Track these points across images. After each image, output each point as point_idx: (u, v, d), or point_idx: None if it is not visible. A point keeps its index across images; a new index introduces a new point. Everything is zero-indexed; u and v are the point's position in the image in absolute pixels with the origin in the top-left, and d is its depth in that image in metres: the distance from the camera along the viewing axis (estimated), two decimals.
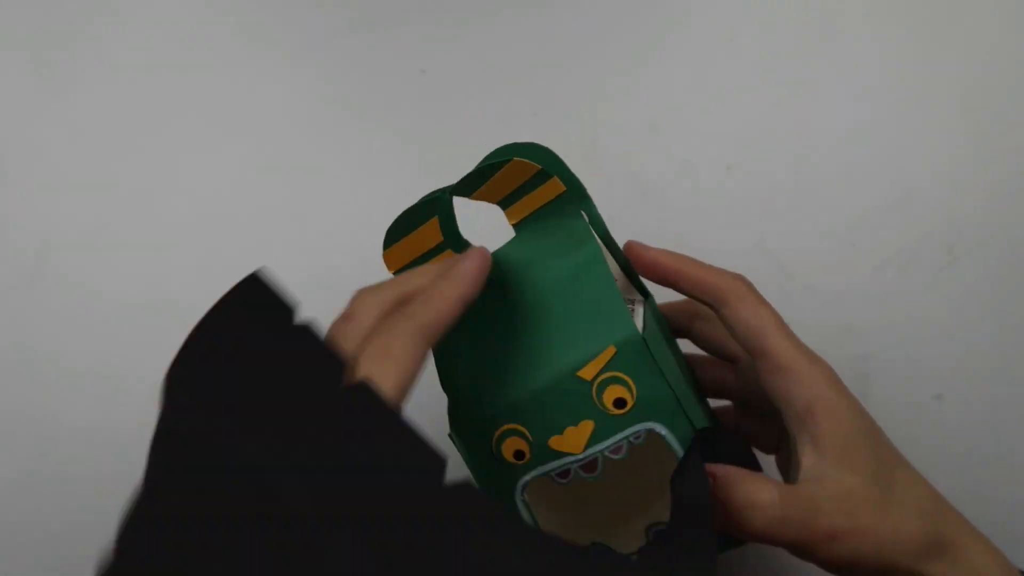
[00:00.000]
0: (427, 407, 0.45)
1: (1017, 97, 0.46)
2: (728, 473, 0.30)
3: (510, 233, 0.35)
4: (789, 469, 0.34)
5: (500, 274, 0.33)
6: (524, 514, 0.32)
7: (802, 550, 0.30)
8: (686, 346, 0.39)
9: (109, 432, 0.44)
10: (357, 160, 0.46)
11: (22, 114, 0.46)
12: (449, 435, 0.32)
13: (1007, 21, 0.46)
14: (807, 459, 0.31)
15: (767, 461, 0.40)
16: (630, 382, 0.31)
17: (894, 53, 0.46)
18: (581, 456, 0.31)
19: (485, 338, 0.33)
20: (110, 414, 0.44)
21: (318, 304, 0.37)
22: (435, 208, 0.33)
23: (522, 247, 0.34)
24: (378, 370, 0.25)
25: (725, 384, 0.37)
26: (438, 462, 0.23)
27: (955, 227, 0.45)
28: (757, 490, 0.29)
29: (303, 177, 0.46)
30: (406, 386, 0.26)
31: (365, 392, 0.24)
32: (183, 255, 0.45)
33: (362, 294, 0.29)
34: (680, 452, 0.31)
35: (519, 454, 0.31)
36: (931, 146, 0.45)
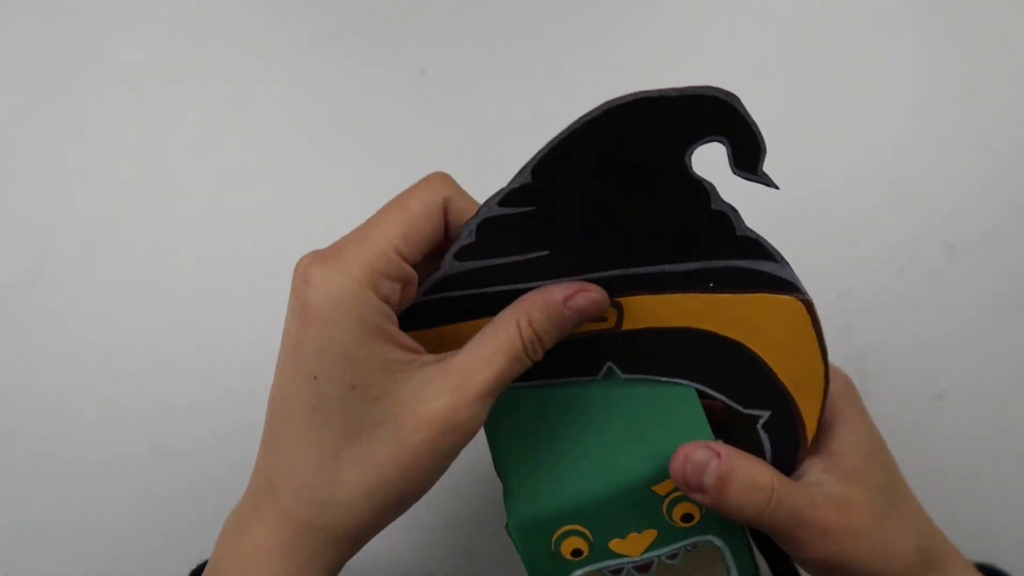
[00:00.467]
0: None
1: (1017, 96, 0.46)
2: (732, 452, 0.30)
3: None
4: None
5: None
6: None
7: (791, 541, 0.30)
8: None
9: (109, 433, 0.44)
10: (357, 160, 0.46)
11: (22, 114, 0.46)
12: (506, 528, 0.31)
13: (1007, 20, 0.46)
14: (815, 467, 0.31)
15: None
16: None
17: (894, 53, 0.46)
18: (638, 559, 0.32)
19: (551, 429, 0.32)
20: (110, 415, 0.44)
21: None
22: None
23: None
24: None
25: None
26: None
27: (955, 226, 0.45)
28: (758, 472, 0.29)
29: (303, 177, 0.46)
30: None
31: None
32: (183, 255, 0.45)
33: None
34: (734, 567, 0.32)
35: (577, 552, 0.31)
36: (931, 146, 0.45)
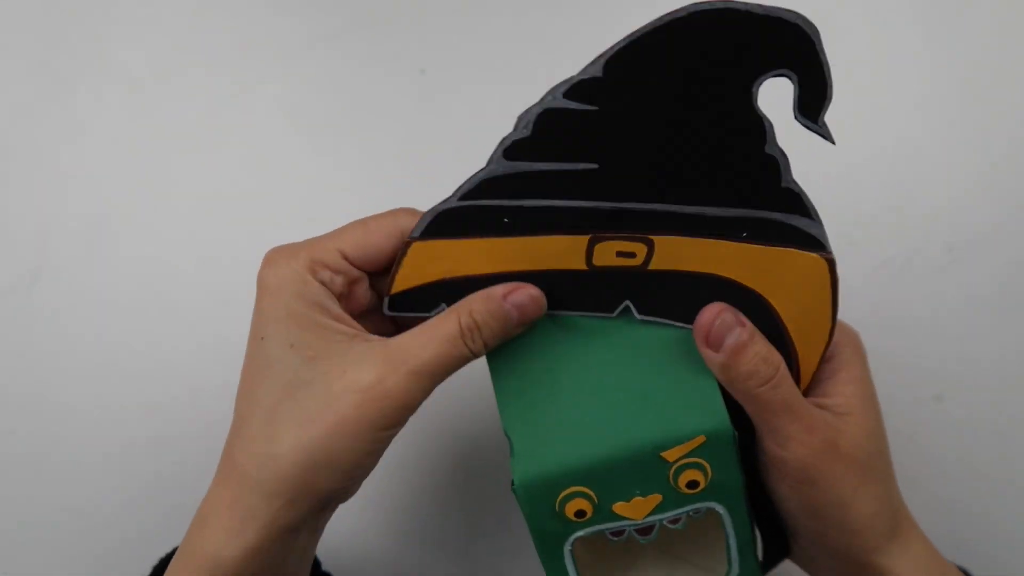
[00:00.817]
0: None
1: (1017, 96, 0.46)
2: (754, 328, 0.30)
3: None
4: None
5: (587, 324, 0.32)
6: (568, 562, 0.32)
7: (777, 431, 0.30)
8: None
9: (108, 432, 0.44)
10: (357, 160, 0.46)
11: (22, 114, 0.46)
12: (511, 487, 0.31)
13: (1007, 20, 0.46)
14: (812, 399, 0.32)
15: None
16: (708, 468, 0.31)
17: (894, 53, 0.46)
18: (640, 522, 0.31)
19: (559, 381, 0.32)
20: (109, 414, 0.44)
21: None
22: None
23: None
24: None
25: None
26: None
27: (955, 227, 0.45)
28: (771, 351, 0.30)
29: (302, 177, 0.46)
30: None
31: None
32: (182, 255, 0.45)
33: None
34: (732, 531, 0.32)
35: (581, 513, 0.31)
36: (931, 146, 0.45)
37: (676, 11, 0.27)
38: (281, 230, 0.46)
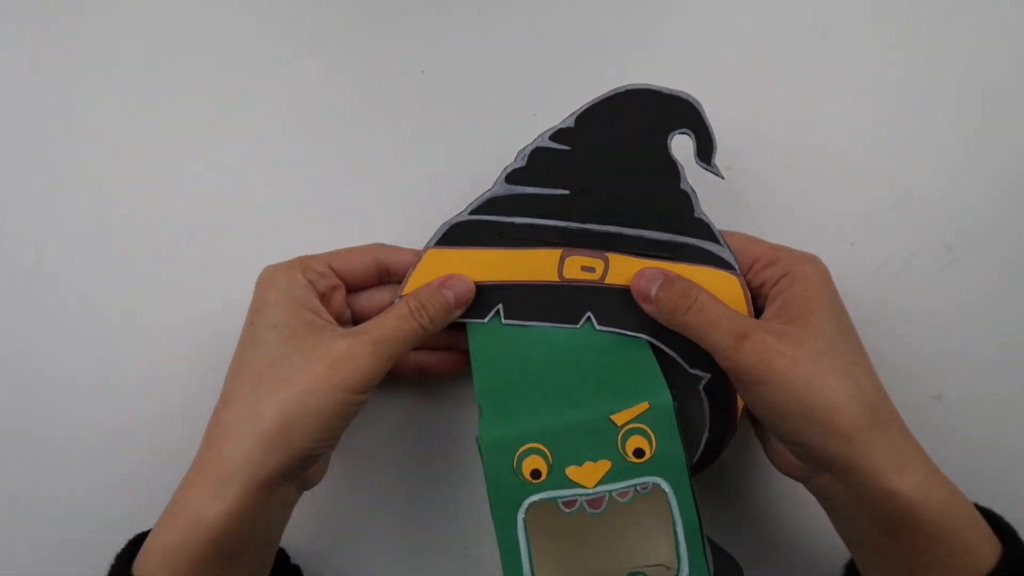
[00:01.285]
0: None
1: (1017, 97, 0.46)
2: (677, 276, 0.38)
3: None
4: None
5: (555, 333, 0.39)
6: (520, 532, 0.35)
7: (711, 347, 0.35)
8: None
9: (108, 432, 0.44)
10: (357, 160, 0.46)
11: (22, 114, 0.46)
12: (476, 439, 0.36)
13: (1007, 21, 0.46)
14: (766, 314, 0.37)
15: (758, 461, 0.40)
16: (652, 437, 0.35)
17: (894, 53, 0.46)
18: (591, 491, 0.35)
19: (528, 363, 0.38)
20: (110, 414, 0.44)
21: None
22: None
23: None
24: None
25: None
26: None
27: (955, 227, 0.45)
28: (689, 286, 0.37)
29: (302, 177, 0.46)
30: None
31: None
32: (182, 255, 0.45)
33: None
34: (678, 513, 0.35)
35: (536, 473, 0.35)
36: (931, 146, 0.45)
37: (616, 88, 0.39)
38: (281, 230, 0.46)
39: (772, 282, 0.37)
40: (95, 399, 0.44)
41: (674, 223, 0.39)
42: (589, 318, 0.39)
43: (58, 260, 0.45)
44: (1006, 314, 0.45)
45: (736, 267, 0.38)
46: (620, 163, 0.39)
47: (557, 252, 0.39)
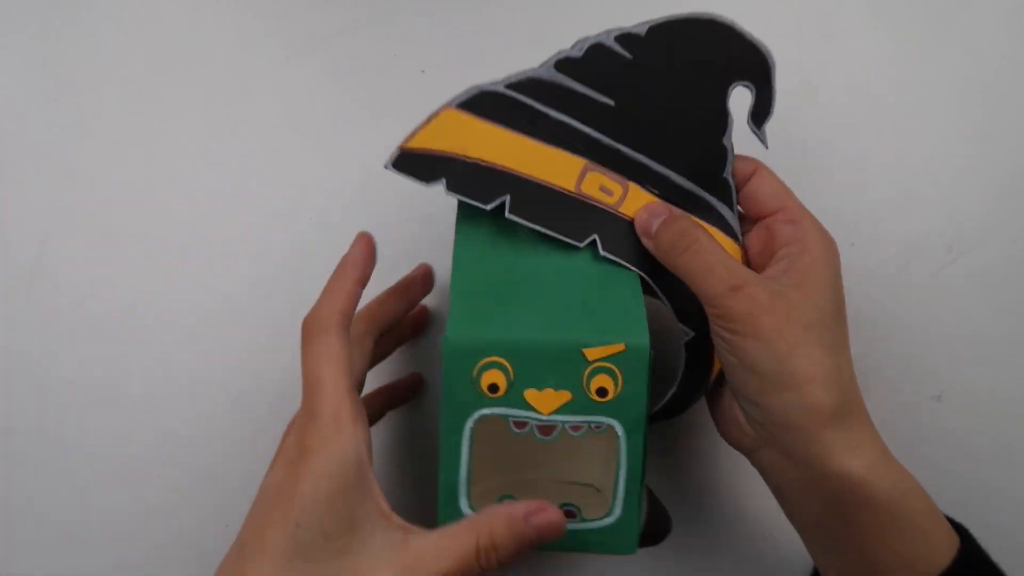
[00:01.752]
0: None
1: (1017, 97, 0.46)
2: (682, 214, 0.36)
3: None
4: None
5: (556, 244, 0.37)
6: (464, 439, 0.34)
7: (702, 293, 0.34)
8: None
9: (108, 432, 0.44)
10: (357, 160, 0.46)
11: (22, 114, 0.46)
12: (442, 340, 0.33)
13: (1007, 21, 0.46)
14: (770, 271, 0.36)
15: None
16: (619, 379, 0.33)
17: (894, 53, 0.46)
18: (545, 418, 0.34)
19: (513, 272, 0.36)
20: (108, 414, 0.44)
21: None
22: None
23: None
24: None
25: None
26: None
27: (955, 226, 0.45)
28: (690, 226, 0.35)
29: (303, 178, 0.46)
30: None
31: None
32: (182, 255, 0.45)
33: None
34: (624, 459, 0.34)
35: (494, 387, 0.33)
36: (931, 146, 0.45)
37: (700, 12, 0.36)
38: (281, 230, 0.46)
39: (784, 240, 0.36)
40: (95, 398, 0.44)
41: (703, 176, 0.37)
42: (595, 240, 0.37)
43: (58, 259, 0.45)
44: (1006, 314, 0.45)
45: (740, 239, 0.37)
46: (675, 93, 0.36)
47: (581, 162, 0.36)
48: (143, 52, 0.47)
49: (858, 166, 0.45)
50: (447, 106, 0.36)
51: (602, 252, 0.36)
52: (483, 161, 0.36)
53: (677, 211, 0.36)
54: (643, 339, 0.34)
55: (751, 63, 0.36)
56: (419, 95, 0.46)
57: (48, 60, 0.47)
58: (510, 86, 0.36)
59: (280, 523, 0.30)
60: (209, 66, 0.47)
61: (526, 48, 0.47)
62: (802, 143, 0.45)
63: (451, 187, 0.36)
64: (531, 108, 0.36)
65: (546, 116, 0.36)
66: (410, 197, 0.45)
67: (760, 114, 0.37)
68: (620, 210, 0.37)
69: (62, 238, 0.45)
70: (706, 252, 0.34)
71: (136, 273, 0.45)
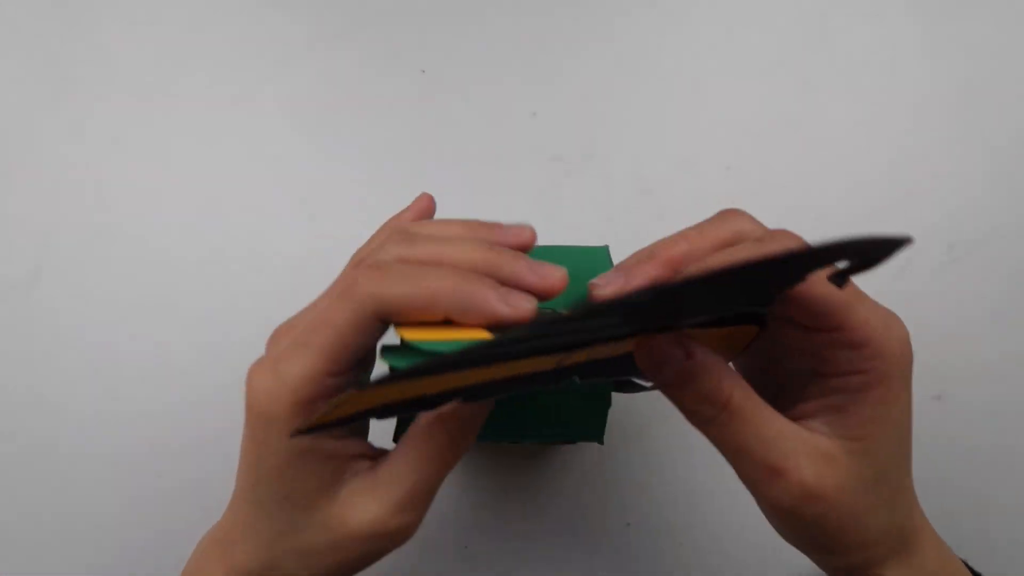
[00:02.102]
0: None
1: (1017, 96, 0.46)
2: (705, 357, 0.27)
3: None
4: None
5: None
6: None
7: (738, 470, 0.28)
8: None
9: (108, 432, 0.44)
10: (357, 160, 0.46)
11: (22, 114, 0.46)
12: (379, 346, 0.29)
13: (1007, 20, 0.46)
14: (822, 416, 0.29)
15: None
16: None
17: (894, 53, 0.46)
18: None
19: None
20: (109, 414, 0.44)
21: None
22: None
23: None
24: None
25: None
26: None
27: (955, 226, 0.45)
28: (718, 385, 0.27)
29: (303, 177, 0.46)
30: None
31: None
32: (183, 254, 0.45)
33: None
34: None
35: None
36: (931, 146, 0.45)
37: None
38: (281, 230, 0.46)
39: (841, 368, 0.28)
40: (95, 398, 0.44)
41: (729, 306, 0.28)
42: (573, 379, 0.30)
43: (58, 259, 0.45)
44: (1006, 314, 0.45)
45: (765, 318, 0.30)
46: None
47: (554, 359, 0.28)
48: (144, 52, 0.47)
49: (858, 166, 0.45)
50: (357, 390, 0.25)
51: (579, 382, 0.30)
52: (429, 394, 0.27)
53: (692, 349, 0.27)
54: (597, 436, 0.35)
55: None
56: (419, 95, 0.47)
57: (48, 60, 0.47)
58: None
59: (244, 474, 0.30)
60: (210, 66, 0.47)
61: (526, 48, 0.47)
62: (802, 143, 0.45)
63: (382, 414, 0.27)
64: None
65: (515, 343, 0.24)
66: (409, 197, 0.45)
67: (844, 273, 0.26)
68: (595, 356, 0.30)
69: (62, 238, 0.45)
70: (737, 419, 0.27)
71: (136, 273, 0.45)
